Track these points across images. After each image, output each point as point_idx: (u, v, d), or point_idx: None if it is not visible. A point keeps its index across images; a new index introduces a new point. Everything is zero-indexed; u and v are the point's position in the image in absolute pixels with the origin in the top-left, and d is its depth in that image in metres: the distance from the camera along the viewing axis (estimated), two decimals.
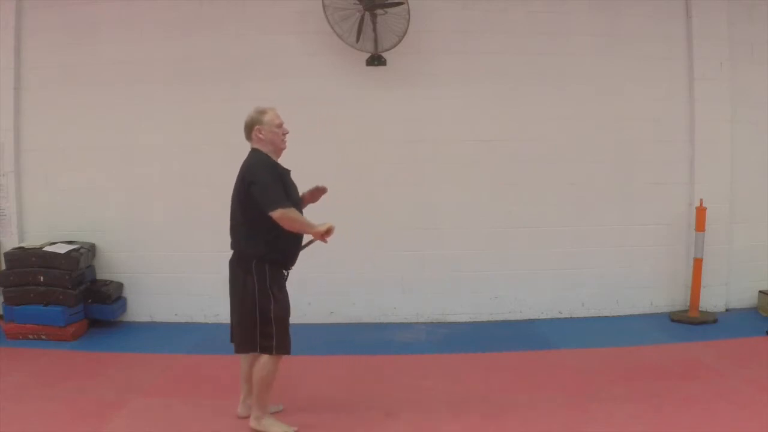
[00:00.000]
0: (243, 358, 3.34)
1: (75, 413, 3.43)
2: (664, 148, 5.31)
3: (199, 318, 5.26)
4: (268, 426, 3.18)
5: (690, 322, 5.08)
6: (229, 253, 3.21)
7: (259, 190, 3.01)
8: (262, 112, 3.18)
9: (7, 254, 4.93)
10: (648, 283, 5.38)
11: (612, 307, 5.36)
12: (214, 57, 5.15)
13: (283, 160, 3.27)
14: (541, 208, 5.28)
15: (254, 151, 3.18)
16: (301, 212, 3.22)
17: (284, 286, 3.19)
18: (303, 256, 3.26)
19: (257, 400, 3.17)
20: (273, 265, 3.12)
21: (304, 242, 3.22)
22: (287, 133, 3.24)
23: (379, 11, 4.85)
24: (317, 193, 3.41)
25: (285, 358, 3.17)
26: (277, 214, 2.98)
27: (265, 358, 3.10)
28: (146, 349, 4.61)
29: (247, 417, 3.33)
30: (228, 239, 3.21)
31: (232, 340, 3.26)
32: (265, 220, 3.02)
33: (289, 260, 3.21)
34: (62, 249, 4.86)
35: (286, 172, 3.22)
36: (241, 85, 5.10)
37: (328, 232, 3.06)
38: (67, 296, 4.77)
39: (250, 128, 3.18)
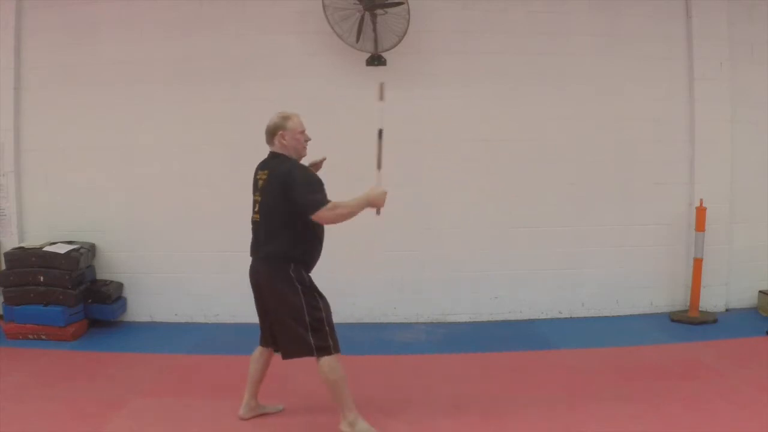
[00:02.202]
0: (253, 360, 3.33)
1: (75, 413, 3.43)
2: (664, 148, 5.31)
3: (199, 318, 5.26)
4: (363, 431, 3.09)
5: (690, 322, 5.08)
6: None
7: (304, 193, 2.96)
8: (286, 117, 3.15)
9: (7, 254, 4.93)
10: (648, 283, 5.38)
11: (612, 307, 5.36)
12: (214, 57, 5.15)
13: None
14: (541, 208, 5.28)
15: (281, 157, 3.13)
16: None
17: None
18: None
19: (342, 405, 3.08)
20: (306, 268, 3.11)
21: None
22: (309, 140, 3.23)
23: (379, 11, 4.86)
24: (316, 167, 3.41)
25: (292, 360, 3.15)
26: (321, 216, 2.94)
27: (326, 362, 3.02)
28: (146, 349, 4.61)
29: (249, 418, 3.34)
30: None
31: (265, 344, 3.27)
32: (306, 223, 3.00)
33: (315, 259, 3.21)
34: (62, 249, 4.86)
35: None
36: (241, 85, 5.11)
37: (383, 197, 3.05)
38: (67, 296, 4.77)
39: (273, 133, 3.13)
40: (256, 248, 3.15)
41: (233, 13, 5.15)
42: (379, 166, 3.21)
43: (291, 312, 3.02)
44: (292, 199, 2.97)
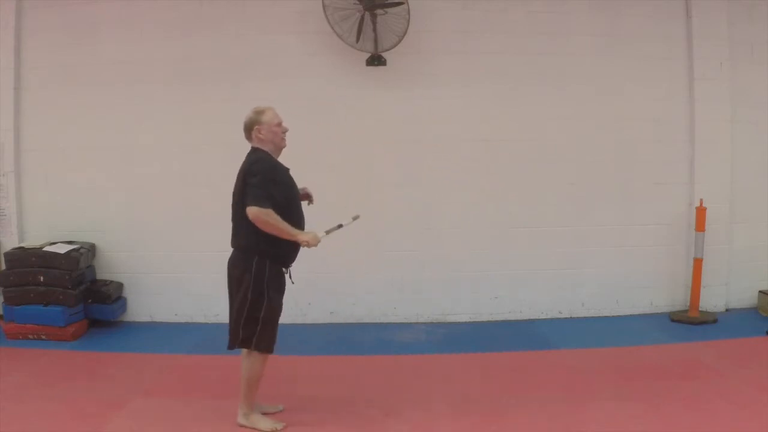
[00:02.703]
0: (243, 359, 3.32)
1: (75, 413, 3.43)
2: (664, 148, 5.31)
3: (199, 318, 5.26)
4: (255, 422, 3.22)
5: (690, 322, 5.08)
6: (230, 252, 3.21)
7: (250, 186, 3.02)
8: (260, 111, 3.20)
9: (7, 254, 4.93)
10: (648, 283, 5.38)
11: (612, 307, 5.36)
12: (214, 57, 5.15)
13: (283, 161, 3.28)
14: (541, 208, 5.28)
15: (255, 150, 3.19)
16: (300, 208, 3.24)
17: (282, 289, 3.20)
18: (303, 255, 3.26)
19: (244, 398, 3.22)
20: (274, 263, 3.13)
21: (329, 229, 3.21)
22: (287, 131, 3.26)
23: (379, 11, 4.85)
24: (304, 197, 3.43)
25: (285, 358, 3.17)
26: (253, 211, 2.98)
27: (252, 358, 3.15)
28: (146, 349, 4.61)
29: None
30: (228, 239, 3.21)
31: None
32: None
33: (289, 257, 3.22)
34: (62, 249, 4.86)
35: (285, 170, 3.24)
36: (241, 85, 5.10)
37: (309, 243, 3.07)
38: (67, 296, 4.77)
39: (249, 129, 3.20)
40: (231, 238, 3.22)
41: (233, 13, 5.15)
42: (326, 232, 3.22)
43: (238, 302, 3.11)
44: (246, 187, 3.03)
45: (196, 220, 5.19)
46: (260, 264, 3.08)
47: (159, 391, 3.79)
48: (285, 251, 3.17)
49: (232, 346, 3.20)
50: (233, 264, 3.17)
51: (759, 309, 5.38)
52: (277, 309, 3.18)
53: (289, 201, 3.17)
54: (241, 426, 3.22)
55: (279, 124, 3.22)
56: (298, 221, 3.19)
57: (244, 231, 3.10)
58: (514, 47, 5.18)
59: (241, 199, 3.08)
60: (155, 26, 5.15)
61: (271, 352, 3.18)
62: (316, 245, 3.11)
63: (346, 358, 4.34)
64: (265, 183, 3.04)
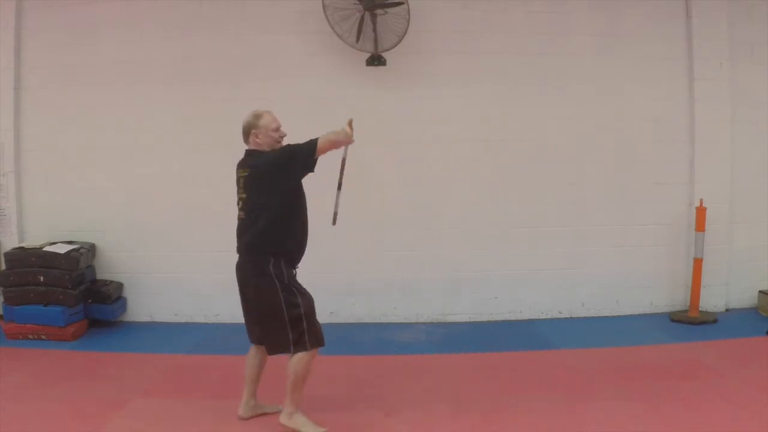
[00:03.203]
0: (249, 359, 3.33)
1: (75, 413, 3.43)
2: (664, 148, 5.31)
3: (199, 318, 5.26)
4: (300, 424, 3.15)
5: (690, 322, 5.08)
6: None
7: (288, 155, 3.07)
8: (258, 116, 3.19)
9: (7, 254, 4.93)
10: (648, 283, 5.38)
11: (612, 307, 5.36)
12: (214, 57, 5.15)
13: None
14: (541, 208, 5.28)
15: (258, 152, 3.16)
16: (306, 213, 3.24)
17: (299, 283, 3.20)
18: (304, 255, 3.26)
19: (291, 396, 3.14)
20: (287, 263, 3.12)
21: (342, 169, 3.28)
22: (285, 135, 3.24)
23: (379, 11, 4.85)
24: None
25: (285, 357, 3.15)
26: (312, 145, 3.04)
27: (300, 354, 3.07)
28: (146, 349, 4.61)
29: (249, 418, 3.34)
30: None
31: (253, 341, 3.28)
32: (288, 217, 3.08)
33: (300, 255, 3.22)
34: (62, 249, 4.86)
35: None
36: (241, 85, 5.10)
37: (350, 125, 3.19)
38: (67, 296, 4.77)
39: (247, 132, 3.19)
40: (239, 244, 3.18)
41: (233, 13, 5.15)
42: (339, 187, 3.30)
43: (270, 308, 3.06)
44: (290, 171, 3.06)
45: (196, 220, 5.19)
46: (276, 264, 3.07)
47: (159, 391, 3.78)
48: (294, 250, 3.17)
49: (278, 352, 3.12)
50: (246, 271, 3.12)
51: (759, 309, 5.38)
52: (311, 300, 3.15)
53: (299, 201, 3.18)
54: (284, 426, 3.16)
55: (276, 129, 3.21)
56: (303, 227, 3.19)
57: (260, 235, 3.06)
58: (514, 47, 5.18)
59: (261, 201, 3.06)
60: (155, 26, 5.15)
61: (323, 344, 3.14)
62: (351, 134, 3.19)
63: (346, 358, 4.33)
64: (292, 146, 3.10)
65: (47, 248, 4.87)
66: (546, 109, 5.21)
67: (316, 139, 3.07)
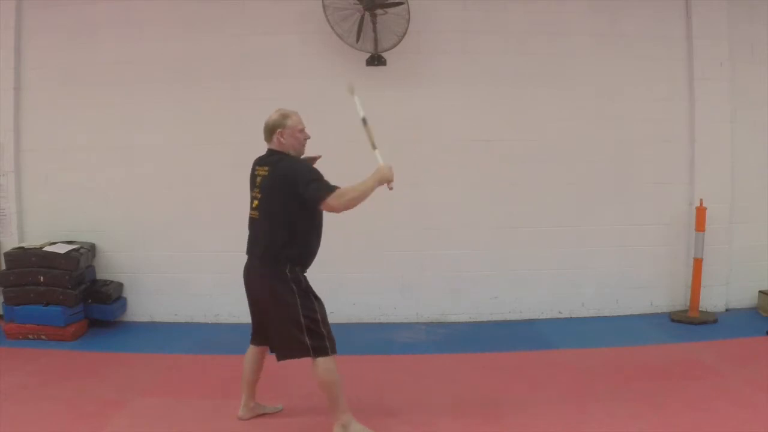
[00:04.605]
0: (247, 360, 3.31)
1: (75, 413, 3.43)
2: (664, 148, 5.31)
3: (199, 318, 5.26)
4: None
5: (690, 322, 5.08)
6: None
7: (308, 188, 2.95)
8: (285, 115, 3.12)
9: (7, 254, 4.93)
10: (648, 283, 5.38)
11: (612, 307, 5.36)
12: (214, 57, 5.15)
13: None
14: (541, 208, 5.28)
15: (282, 154, 3.10)
16: (322, 220, 3.19)
17: None
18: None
19: (335, 406, 3.06)
20: (302, 268, 3.09)
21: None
22: (308, 137, 3.20)
23: (379, 11, 4.85)
24: (311, 161, 3.35)
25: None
26: (331, 204, 2.94)
27: (322, 363, 3.00)
28: (146, 349, 4.61)
29: (248, 419, 3.33)
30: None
31: (257, 343, 3.25)
32: (305, 223, 3.03)
33: (313, 259, 3.19)
34: (62, 249, 4.86)
35: None
36: (241, 85, 5.11)
37: (390, 171, 3.10)
38: (67, 296, 4.77)
39: (272, 130, 3.11)
40: (252, 246, 3.12)
41: (233, 13, 5.15)
42: (374, 147, 3.24)
43: (287, 313, 3.00)
44: (299, 194, 2.95)
45: (196, 220, 5.19)
46: (293, 270, 3.03)
47: (159, 391, 3.78)
48: (309, 255, 3.14)
49: (292, 357, 3.06)
50: (261, 277, 3.06)
51: (759, 309, 5.38)
52: (323, 306, 3.12)
53: (316, 218, 3.12)
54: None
55: (302, 130, 3.15)
56: (318, 232, 3.15)
57: (277, 239, 3.00)
58: (514, 47, 5.18)
59: (279, 204, 3.00)
60: (155, 26, 5.15)
61: (336, 351, 3.07)
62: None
63: (346, 358, 4.29)
64: (316, 175, 3.01)
65: (47, 248, 4.87)
66: (546, 109, 5.21)
67: (339, 191, 2.96)
